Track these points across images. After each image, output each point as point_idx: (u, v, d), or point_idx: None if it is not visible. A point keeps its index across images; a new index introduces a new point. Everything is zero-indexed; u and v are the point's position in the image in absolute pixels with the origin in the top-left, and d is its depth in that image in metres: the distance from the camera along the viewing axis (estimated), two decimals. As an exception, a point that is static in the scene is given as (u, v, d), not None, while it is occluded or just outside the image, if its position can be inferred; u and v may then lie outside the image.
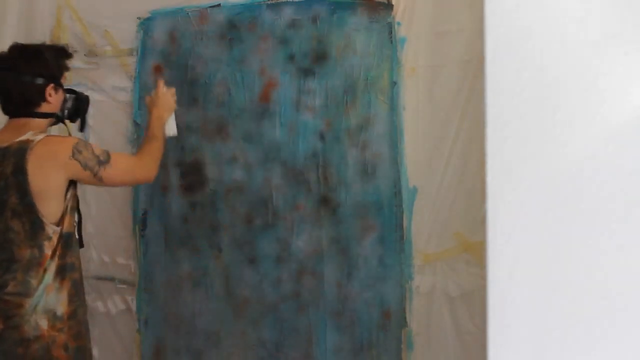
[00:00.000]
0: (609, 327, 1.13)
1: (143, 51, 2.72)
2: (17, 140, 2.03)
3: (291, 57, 2.54)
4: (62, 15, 2.86)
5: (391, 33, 2.43)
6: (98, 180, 2.10)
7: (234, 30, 2.61)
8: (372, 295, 2.48)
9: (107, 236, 2.85)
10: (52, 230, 2.02)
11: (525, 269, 1.16)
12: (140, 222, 2.76)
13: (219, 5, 2.63)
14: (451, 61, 2.35)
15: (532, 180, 1.16)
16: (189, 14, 2.66)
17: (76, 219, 2.13)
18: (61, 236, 2.04)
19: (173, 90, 2.38)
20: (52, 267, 2.02)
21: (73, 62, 2.83)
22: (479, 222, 2.26)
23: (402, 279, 2.45)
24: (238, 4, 2.60)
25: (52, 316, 2.01)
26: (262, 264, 2.59)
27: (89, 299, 2.89)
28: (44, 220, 2.01)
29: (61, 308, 2.04)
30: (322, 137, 2.52)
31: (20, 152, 2.00)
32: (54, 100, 2.14)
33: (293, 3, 2.53)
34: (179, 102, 2.67)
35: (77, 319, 2.09)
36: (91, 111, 2.85)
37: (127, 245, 2.81)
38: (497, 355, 1.17)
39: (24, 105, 2.10)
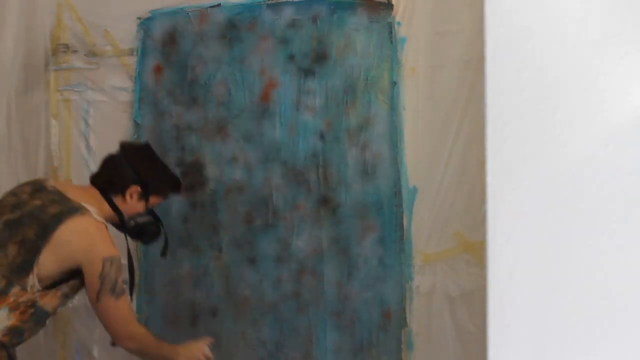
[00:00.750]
0: (609, 327, 1.13)
1: (143, 51, 2.72)
2: (71, 196, 2.02)
3: (291, 57, 2.54)
4: (62, 15, 2.86)
5: (391, 33, 2.43)
6: (95, 300, 2.00)
7: (234, 30, 2.61)
8: (372, 295, 2.48)
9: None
10: (34, 281, 1.94)
11: (525, 269, 1.16)
12: (140, 222, 2.76)
13: (219, 5, 2.63)
14: (451, 61, 2.35)
15: (532, 180, 1.16)
16: (189, 14, 2.66)
17: (61, 305, 2.05)
18: (35, 302, 1.96)
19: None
20: (6, 315, 1.94)
21: (73, 62, 2.86)
22: (479, 222, 2.26)
23: (402, 279, 2.45)
24: (238, 4, 2.60)
25: None
26: (262, 264, 2.59)
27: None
28: (35, 268, 1.94)
29: None
30: (322, 137, 2.51)
31: (63, 212, 1.97)
32: (130, 203, 2.13)
33: (293, 3, 2.53)
34: (179, 102, 2.67)
35: None
36: (91, 111, 2.87)
37: (126, 246, 2.80)
38: (497, 355, 1.17)
39: (105, 184, 2.11)
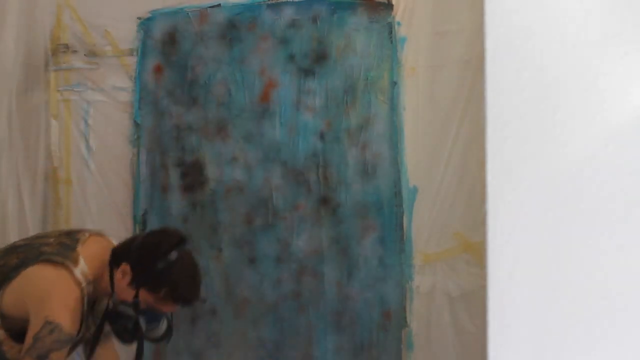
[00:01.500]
0: (609, 327, 1.13)
1: (143, 51, 2.72)
2: (79, 249, 1.84)
3: (291, 57, 2.54)
4: (62, 15, 2.86)
5: (391, 33, 2.43)
6: (21, 357, 1.77)
7: (234, 30, 2.61)
8: (372, 295, 2.48)
9: (107, 236, 2.85)
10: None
11: (525, 269, 1.16)
12: (140, 222, 2.76)
13: (219, 5, 2.63)
14: (451, 61, 2.35)
15: (532, 180, 1.16)
16: (189, 14, 2.66)
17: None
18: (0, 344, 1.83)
19: None
20: None
21: (73, 62, 2.86)
22: (479, 222, 2.26)
23: (402, 279, 2.45)
24: (238, 4, 2.60)
25: None
26: (262, 264, 2.59)
27: (89, 299, 2.90)
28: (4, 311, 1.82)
29: None
30: (322, 137, 2.51)
31: (36, 257, 1.82)
32: (120, 283, 1.82)
33: (293, 3, 2.53)
34: (179, 102, 2.67)
35: None
36: (91, 111, 2.87)
37: (127, 245, 2.81)
38: (497, 355, 1.17)
39: (117, 248, 1.88)
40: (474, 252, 2.34)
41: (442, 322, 2.41)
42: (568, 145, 1.14)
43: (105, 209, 2.83)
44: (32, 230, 2.88)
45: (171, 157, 2.67)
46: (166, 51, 2.70)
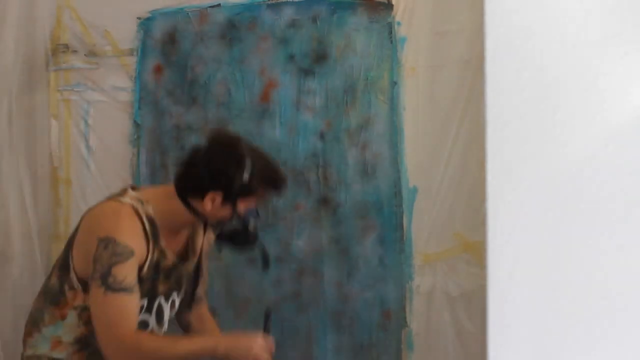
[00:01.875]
0: (609, 327, 1.13)
1: (143, 51, 2.72)
2: (137, 194, 1.81)
3: (291, 57, 2.54)
4: (62, 15, 2.86)
5: (391, 33, 2.43)
6: (87, 291, 1.75)
7: (234, 30, 2.61)
8: (372, 295, 2.48)
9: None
10: (74, 280, 1.78)
11: (525, 269, 1.16)
12: (140, 222, 2.76)
13: (219, 5, 2.63)
14: (451, 61, 2.35)
15: (532, 180, 1.16)
16: (189, 14, 2.66)
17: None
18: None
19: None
20: (68, 323, 1.80)
21: (73, 62, 2.86)
22: (479, 222, 2.26)
23: (402, 279, 2.45)
24: (238, 4, 2.60)
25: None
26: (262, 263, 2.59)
27: (89, 299, 2.90)
28: (71, 263, 1.79)
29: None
30: (322, 137, 2.52)
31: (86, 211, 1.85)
32: (212, 209, 1.77)
33: (293, 3, 2.53)
34: (179, 102, 2.67)
35: None
36: (91, 111, 2.87)
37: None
38: (497, 355, 1.17)
39: (181, 188, 1.81)
40: (474, 252, 2.34)
41: (442, 322, 2.41)
42: (568, 145, 1.14)
43: (105, 209, 2.83)
44: (33, 230, 2.88)
45: (171, 157, 2.67)
46: (166, 51, 2.70)
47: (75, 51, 2.85)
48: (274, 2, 2.56)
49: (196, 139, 2.65)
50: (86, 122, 2.86)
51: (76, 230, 1.84)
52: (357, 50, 2.46)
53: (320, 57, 2.50)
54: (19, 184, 2.87)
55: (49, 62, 2.89)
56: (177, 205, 1.80)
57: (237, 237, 1.87)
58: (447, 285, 2.40)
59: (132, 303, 1.70)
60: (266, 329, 1.92)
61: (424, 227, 2.42)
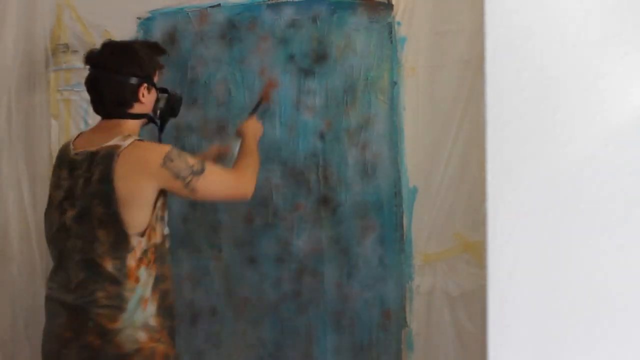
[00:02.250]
0: (609, 327, 1.13)
1: (143, 51, 2.72)
2: (105, 145, 1.92)
3: (291, 57, 2.54)
4: (62, 15, 2.86)
5: (391, 33, 2.43)
6: (190, 192, 1.94)
7: (234, 30, 2.61)
8: (372, 295, 2.48)
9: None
10: (136, 241, 1.90)
11: (525, 269, 1.16)
12: (140, 222, 2.76)
13: (219, 5, 2.63)
14: (451, 61, 2.35)
15: (532, 180, 1.16)
16: (189, 14, 2.66)
17: (166, 230, 2.02)
18: (149, 247, 1.93)
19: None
20: (144, 279, 1.92)
21: (73, 62, 2.86)
22: (479, 222, 2.26)
23: (402, 279, 2.45)
24: (238, 4, 2.60)
25: (150, 328, 1.93)
26: (262, 264, 2.59)
27: (89, 299, 2.90)
28: (129, 232, 1.88)
29: (154, 319, 1.94)
30: (322, 137, 2.52)
31: (107, 159, 1.89)
32: (146, 100, 2.02)
33: (293, 3, 2.53)
34: (179, 102, 2.67)
35: (171, 327, 2.02)
36: (91, 111, 2.87)
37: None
38: (497, 355, 1.17)
39: (116, 106, 1.99)
40: (474, 252, 2.34)
41: (442, 322, 2.41)
42: (568, 145, 1.14)
43: (105, 209, 2.83)
44: (33, 230, 2.88)
45: (171, 157, 2.67)
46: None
47: (75, 51, 2.85)
48: (274, 2, 2.56)
49: (196, 139, 2.66)
50: (86, 122, 2.86)
51: (113, 191, 1.88)
52: (357, 50, 2.46)
53: (320, 57, 2.50)
54: (19, 184, 2.87)
55: (49, 62, 2.89)
56: (130, 124, 2.02)
57: (175, 103, 2.16)
58: (447, 285, 2.40)
59: (213, 166, 2.05)
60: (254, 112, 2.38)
61: (424, 227, 2.42)
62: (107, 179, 1.88)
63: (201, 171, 1.96)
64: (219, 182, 2.02)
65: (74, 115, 2.88)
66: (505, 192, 1.17)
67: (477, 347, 2.32)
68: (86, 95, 2.83)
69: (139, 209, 1.90)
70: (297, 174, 2.54)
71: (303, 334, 2.56)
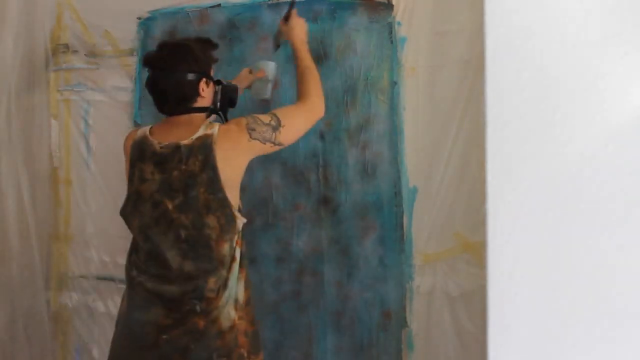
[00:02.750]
0: (609, 327, 1.13)
1: (143, 51, 2.72)
2: (196, 137, 1.99)
3: (291, 57, 2.54)
4: (62, 15, 2.87)
5: (391, 33, 2.43)
6: (278, 146, 2.06)
7: (234, 30, 2.61)
8: (372, 295, 2.49)
9: (107, 236, 2.85)
10: (241, 222, 2.01)
11: (525, 269, 1.16)
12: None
13: (219, 5, 2.63)
14: (451, 61, 2.35)
15: (532, 180, 1.16)
16: (189, 14, 2.66)
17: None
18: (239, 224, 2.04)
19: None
20: (238, 258, 2.02)
21: (73, 62, 2.86)
22: (479, 222, 2.26)
23: (402, 279, 2.45)
24: (238, 4, 2.60)
25: (238, 305, 2.03)
26: (262, 264, 2.59)
27: (89, 299, 2.90)
28: (236, 213, 1.99)
29: (242, 296, 2.04)
30: (322, 137, 2.52)
31: (206, 148, 1.97)
32: (206, 94, 2.10)
33: (293, 3, 2.53)
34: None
35: (251, 304, 2.10)
36: (91, 111, 2.87)
37: (127, 245, 2.80)
38: (497, 355, 1.17)
39: (180, 103, 2.06)
40: (474, 252, 2.35)
41: (442, 322, 2.41)
42: (568, 145, 1.14)
43: (105, 209, 2.83)
44: (33, 230, 2.88)
45: (171, 157, 2.67)
46: (166, 51, 2.70)
47: (75, 51, 2.86)
48: (274, 2, 2.56)
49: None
50: (86, 122, 2.86)
51: (218, 177, 1.95)
52: (357, 50, 2.47)
53: (320, 57, 2.50)
54: (18, 183, 2.88)
55: (49, 62, 2.89)
56: (198, 118, 2.09)
57: (232, 93, 2.22)
58: (447, 285, 2.40)
59: (283, 111, 2.13)
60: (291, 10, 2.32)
61: (424, 227, 2.42)
62: (210, 166, 1.95)
63: (279, 124, 2.05)
64: (297, 123, 2.11)
65: (74, 115, 2.88)
66: (505, 192, 1.17)
67: (477, 347, 2.32)
68: (86, 96, 2.86)
69: (235, 189, 2.02)
70: (297, 174, 2.54)
71: (303, 334, 2.56)
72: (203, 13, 2.64)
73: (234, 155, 1.99)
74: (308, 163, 2.53)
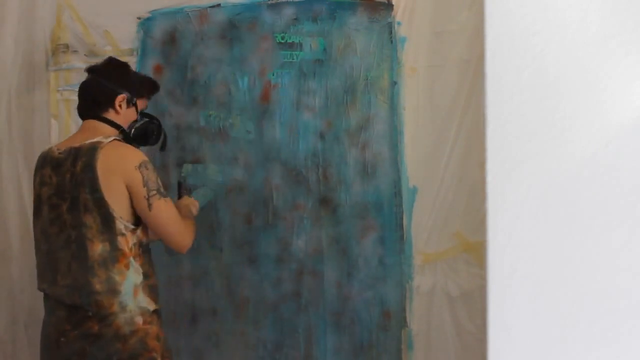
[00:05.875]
0: (609, 327, 1.13)
1: (143, 51, 2.72)
2: (89, 142, 2.07)
3: (291, 57, 2.54)
4: (62, 15, 2.86)
5: (391, 33, 2.43)
6: (147, 206, 2.05)
7: (234, 30, 2.61)
8: (372, 295, 2.48)
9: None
10: (123, 225, 2.04)
11: (525, 269, 1.16)
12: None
13: (219, 5, 2.63)
14: (451, 61, 2.35)
15: (532, 180, 1.16)
16: (189, 14, 2.66)
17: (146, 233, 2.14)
18: (140, 241, 2.09)
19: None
20: (136, 268, 2.07)
21: (73, 62, 2.86)
22: (479, 222, 2.26)
23: (402, 279, 2.45)
24: (238, 4, 2.60)
25: (145, 312, 2.08)
26: (262, 264, 2.59)
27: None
28: (114, 214, 2.02)
29: (150, 307, 2.10)
30: (322, 137, 2.51)
31: (90, 152, 2.03)
32: (123, 113, 2.17)
33: (293, 3, 2.53)
34: (179, 102, 2.68)
35: (159, 314, 2.16)
36: (91, 111, 2.87)
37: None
38: (497, 355, 1.17)
39: (93, 106, 2.16)
40: (474, 252, 2.34)
41: (442, 322, 2.41)
42: (568, 145, 1.14)
43: (105, 209, 2.83)
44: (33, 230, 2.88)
45: (171, 157, 2.67)
46: (166, 51, 2.70)
47: (75, 51, 2.85)
48: (274, 2, 2.56)
49: (197, 139, 2.66)
50: (86, 122, 2.85)
51: (97, 179, 2.01)
52: (357, 50, 2.46)
53: (320, 57, 2.50)
54: (19, 183, 2.88)
55: (49, 62, 2.89)
56: (107, 128, 2.15)
57: (150, 128, 2.27)
58: (447, 285, 2.40)
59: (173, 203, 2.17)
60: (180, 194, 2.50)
61: (424, 227, 2.42)
62: (90, 168, 2.01)
63: (165, 195, 2.10)
64: (172, 216, 2.12)
65: (74, 115, 2.87)
66: (505, 192, 1.17)
67: (477, 347, 2.32)
68: (86, 95, 2.85)
69: (118, 199, 2.03)
70: (297, 174, 2.54)
71: (303, 334, 2.56)
72: (203, 13, 2.64)
73: (114, 168, 2.02)
74: (308, 163, 2.53)
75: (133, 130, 2.21)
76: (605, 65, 1.13)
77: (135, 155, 2.06)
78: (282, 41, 2.54)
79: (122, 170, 2.03)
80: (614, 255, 1.13)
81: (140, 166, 2.04)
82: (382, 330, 2.49)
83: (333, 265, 2.52)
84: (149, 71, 2.72)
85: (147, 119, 2.27)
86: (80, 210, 2.02)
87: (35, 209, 2.16)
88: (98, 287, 2.02)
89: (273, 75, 2.55)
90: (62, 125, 2.89)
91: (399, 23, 2.42)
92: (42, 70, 2.90)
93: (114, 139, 2.09)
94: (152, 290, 2.12)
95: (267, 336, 2.60)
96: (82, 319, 2.03)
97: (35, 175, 2.17)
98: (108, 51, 2.80)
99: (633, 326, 1.12)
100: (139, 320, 2.06)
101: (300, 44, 2.53)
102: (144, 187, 2.04)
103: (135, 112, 2.21)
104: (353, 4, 2.46)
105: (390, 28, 2.43)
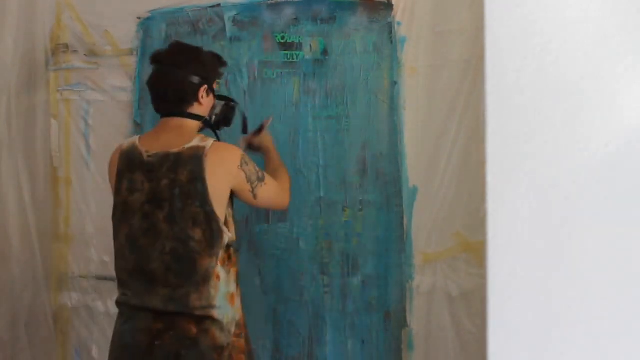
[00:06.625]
0: (609, 327, 1.13)
1: (143, 51, 2.72)
2: (188, 146, 1.97)
3: (291, 57, 2.54)
4: (62, 15, 2.86)
5: (391, 33, 2.43)
6: (253, 197, 2.05)
7: (233, 30, 2.61)
8: (372, 295, 2.48)
9: (107, 236, 2.84)
10: (228, 237, 1.98)
11: (525, 269, 1.16)
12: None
13: (219, 5, 2.63)
14: (451, 61, 2.35)
15: (532, 180, 1.16)
16: (189, 14, 2.66)
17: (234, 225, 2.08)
18: (229, 244, 2.01)
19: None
20: (232, 276, 2.02)
21: (73, 62, 2.86)
22: (479, 222, 2.26)
23: (402, 279, 2.45)
24: (238, 4, 2.60)
25: (236, 324, 2.02)
26: (262, 263, 2.59)
27: (88, 298, 2.90)
28: (223, 228, 1.96)
29: (238, 315, 2.04)
30: (322, 137, 2.51)
31: (196, 160, 1.94)
32: (205, 102, 2.08)
33: (293, 3, 2.53)
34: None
35: (245, 323, 2.09)
36: (91, 111, 2.87)
37: (127, 245, 2.81)
38: (497, 355, 1.17)
39: (177, 103, 2.05)
40: (474, 252, 2.34)
41: (442, 322, 2.41)
42: (568, 145, 1.14)
43: (105, 209, 2.82)
44: (33, 230, 2.88)
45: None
46: (166, 51, 2.70)
47: (75, 51, 2.85)
48: (274, 2, 2.56)
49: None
50: (86, 122, 2.86)
51: (207, 190, 1.93)
52: (357, 50, 2.46)
53: (320, 57, 2.50)
54: (18, 184, 2.87)
55: (49, 62, 2.89)
56: (192, 124, 2.08)
57: (229, 111, 2.22)
58: (447, 285, 2.40)
59: (267, 175, 2.15)
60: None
61: (424, 227, 2.42)
62: (199, 179, 1.93)
63: (263, 178, 2.08)
64: (273, 191, 2.12)
65: (74, 115, 2.88)
66: (505, 192, 1.17)
67: (477, 347, 2.32)
68: (86, 96, 2.86)
69: (222, 206, 1.98)
70: (297, 174, 2.54)
71: (303, 334, 2.56)
72: (203, 13, 2.64)
73: (222, 173, 1.97)
74: (308, 163, 2.53)
75: (214, 117, 2.16)
76: (606, 65, 1.13)
77: (235, 155, 2.01)
78: (282, 41, 2.55)
79: (226, 173, 1.98)
80: (614, 255, 1.13)
81: (241, 164, 2.01)
82: (382, 330, 2.49)
83: (333, 265, 2.52)
84: (148, 71, 2.72)
85: (223, 102, 2.20)
86: (186, 223, 1.94)
87: (121, 214, 2.05)
88: (196, 302, 1.94)
89: (273, 75, 2.55)
90: (62, 125, 2.89)
91: (398, 23, 2.42)
92: (42, 70, 2.90)
93: (213, 141, 2.01)
94: (241, 294, 2.07)
95: (267, 336, 2.60)
96: (177, 318, 1.94)
97: (119, 176, 2.06)
98: (108, 51, 2.80)
99: (633, 326, 1.12)
100: (232, 331, 1.99)
101: (300, 44, 2.53)
102: (247, 182, 2.03)
103: (213, 98, 2.13)
104: (353, 4, 2.46)
105: (390, 28, 2.43)
